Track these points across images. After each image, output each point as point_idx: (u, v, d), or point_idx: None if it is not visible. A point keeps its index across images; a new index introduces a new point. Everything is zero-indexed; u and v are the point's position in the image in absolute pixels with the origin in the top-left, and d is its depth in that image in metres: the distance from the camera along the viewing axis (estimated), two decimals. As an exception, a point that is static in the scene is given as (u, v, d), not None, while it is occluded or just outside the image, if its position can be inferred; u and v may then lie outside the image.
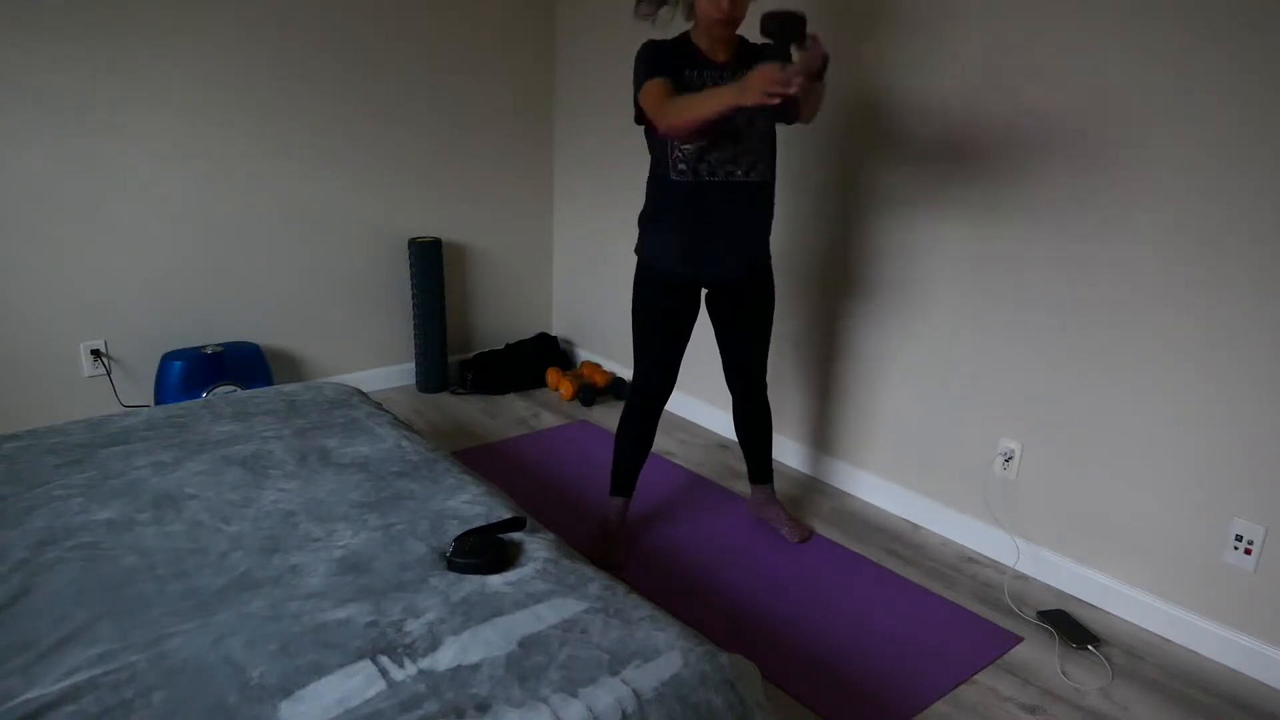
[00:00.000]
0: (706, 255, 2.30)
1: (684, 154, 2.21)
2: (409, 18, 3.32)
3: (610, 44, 3.46)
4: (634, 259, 3.48)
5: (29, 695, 1.25)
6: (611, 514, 2.55)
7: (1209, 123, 1.97)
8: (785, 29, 2.02)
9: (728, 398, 3.29)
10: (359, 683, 1.29)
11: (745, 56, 2.26)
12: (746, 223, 2.31)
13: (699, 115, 2.05)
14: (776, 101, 1.91)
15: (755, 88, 1.90)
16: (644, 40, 2.24)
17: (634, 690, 1.31)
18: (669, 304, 2.37)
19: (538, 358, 3.82)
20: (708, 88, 2.10)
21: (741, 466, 3.08)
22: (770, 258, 2.42)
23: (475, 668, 1.33)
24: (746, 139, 2.22)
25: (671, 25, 2.26)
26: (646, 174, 2.34)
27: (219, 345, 3.11)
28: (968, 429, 2.58)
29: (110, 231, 2.91)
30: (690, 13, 2.23)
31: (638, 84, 2.21)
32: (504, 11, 3.56)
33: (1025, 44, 2.25)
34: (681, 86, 2.16)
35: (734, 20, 2.16)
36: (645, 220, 2.37)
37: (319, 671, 1.31)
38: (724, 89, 2.01)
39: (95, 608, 1.46)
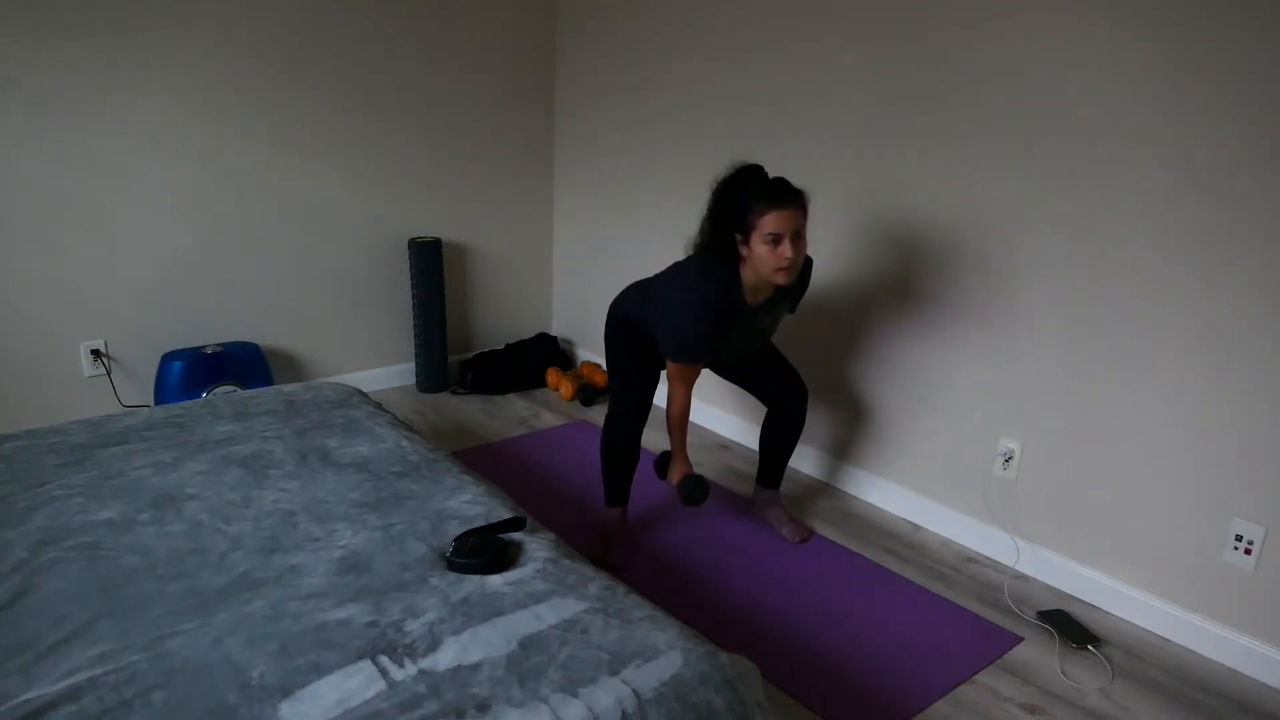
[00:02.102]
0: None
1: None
2: (409, 17, 3.32)
3: (611, 43, 3.46)
4: (634, 259, 3.50)
5: (29, 695, 1.25)
6: (610, 520, 2.55)
7: (1209, 122, 1.97)
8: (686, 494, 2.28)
9: (728, 398, 3.29)
10: (359, 683, 1.29)
11: (774, 293, 2.24)
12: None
13: (678, 432, 2.32)
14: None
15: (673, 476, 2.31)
16: (701, 281, 2.15)
17: (634, 690, 1.31)
18: (649, 356, 2.39)
19: (538, 358, 3.82)
20: (735, 333, 2.24)
21: (742, 466, 3.08)
22: None
23: (475, 668, 1.34)
24: (762, 341, 2.38)
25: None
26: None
27: (219, 345, 3.11)
28: (968, 429, 2.58)
29: (110, 231, 2.91)
30: (735, 255, 2.15)
31: (695, 354, 2.21)
32: (504, 11, 3.56)
33: (1024, 45, 2.25)
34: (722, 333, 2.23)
35: (795, 274, 2.10)
36: (641, 305, 2.34)
37: (319, 671, 1.31)
38: (680, 456, 2.34)
39: (95, 608, 1.46)
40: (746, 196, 2.07)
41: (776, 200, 2.04)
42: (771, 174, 2.14)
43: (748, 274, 2.15)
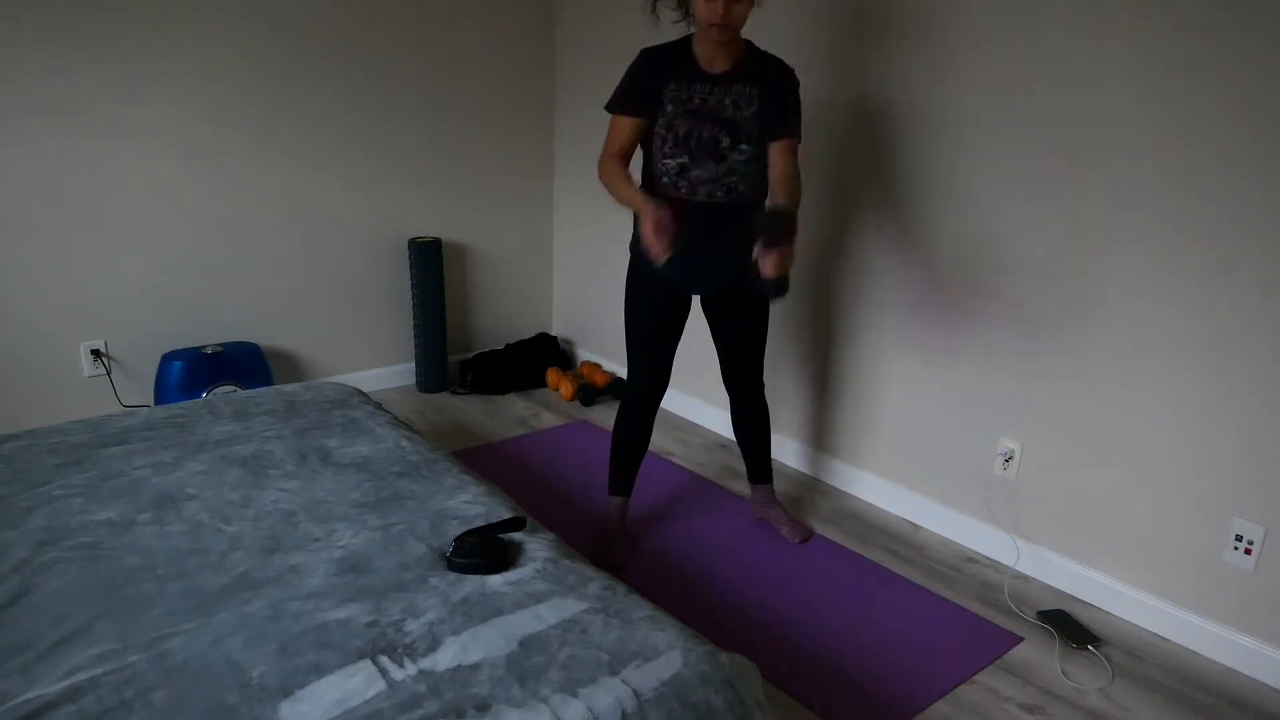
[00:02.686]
0: (690, 267, 2.30)
1: (667, 167, 2.23)
2: (409, 17, 3.32)
3: (611, 43, 3.46)
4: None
5: (29, 695, 1.25)
6: (611, 514, 2.55)
7: (1210, 123, 1.97)
8: (768, 228, 2.03)
9: (727, 398, 3.29)
10: (359, 683, 1.29)
11: (750, 68, 2.21)
12: (729, 240, 2.29)
13: (613, 193, 2.21)
14: (662, 260, 2.04)
15: (644, 229, 2.03)
16: (644, 46, 2.25)
17: (634, 690, 1.31)
18: (659, 304, 2.37)
19: (538, 358, 3.82)
20: (694, 102, 2.18)
21: (741, 466, 3.08)
22: None
23: (475, 668, 1.33)
24: (729, 159, 2.22)
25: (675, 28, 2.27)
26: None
27: (219, 345, 3.11)
28: (968, 429, 2.58)
29: (110, 231, 2.91)
30: (689, 16, 2.22)
31: (614, 100, 2.28)
32: (504, 11, 3.56)
33: (1022, 47, 2.25)
34: (668, 101, 2.20)
35: (730, 26, 2.11)
36: (638, 217, 2.37)
37: (319, 671, 1.31)
38: (636, 197, 2.13)
39: (95, 608, 1.45)
40: None
41: None
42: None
43: (699, 39, 2.23)
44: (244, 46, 3.01)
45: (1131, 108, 2.08)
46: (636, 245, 2.36)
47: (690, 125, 2.20)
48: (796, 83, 2.26)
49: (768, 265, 2.01)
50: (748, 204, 2.28)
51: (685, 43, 2.25)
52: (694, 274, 2.33)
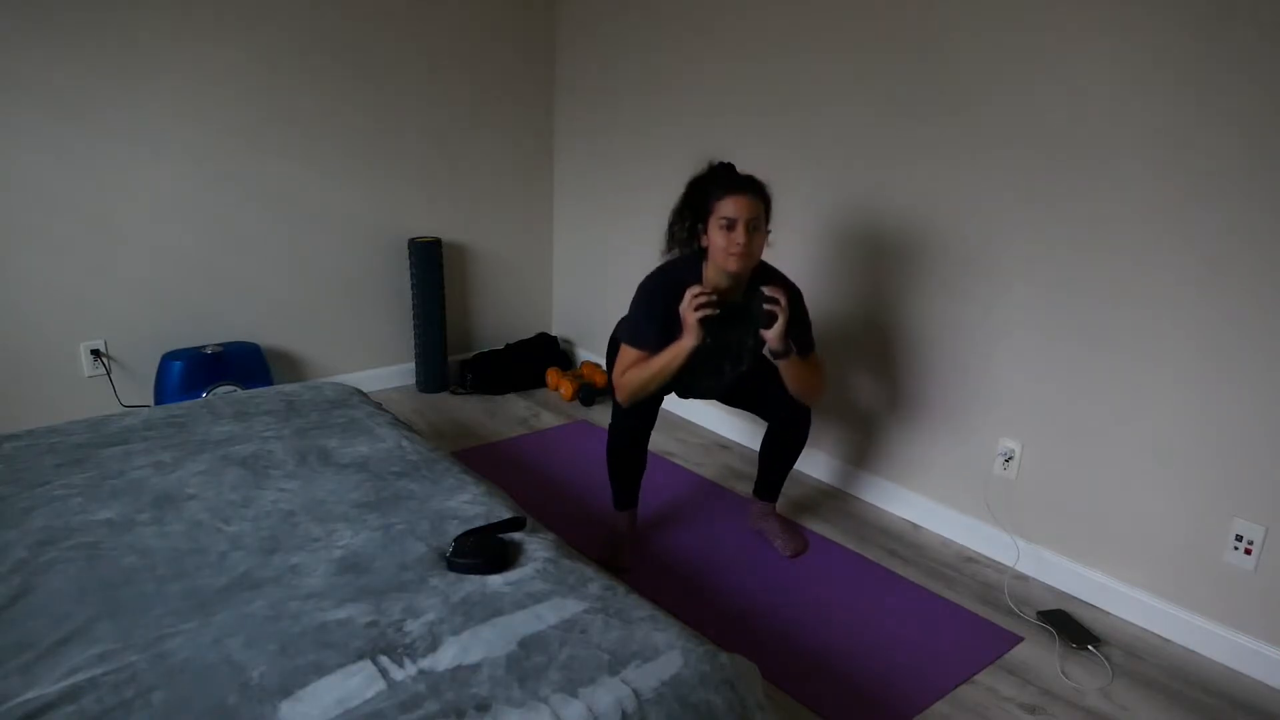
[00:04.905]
0: (700, 381, 2.40)
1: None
2: (409, 18, 3.32)
3: (610, 43, 3.46)
4: (633, 256, 3.50)
5: (29, 695, 1.25)
6: (620, 524, 2.53)
7: (1211, 126, 1.97)
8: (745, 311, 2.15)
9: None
10: (359, 683, 1.29)
11: (743, 299, 2.20)
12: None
13: (654, 383, 2.18)
14: (705, 313, 2.05)
15: (687, 320, 2.04)
16: (658, 269, 2.24)
17: (634, 690, 1.31)
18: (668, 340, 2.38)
19: (538, 358, 3.82)
20: (707, 341, 2.14)
21: (742, 467, 3.08)
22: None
23: (475, 668, 1.33)
24: (729, 375, 2.32)
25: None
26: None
27: (219, 345, 3.11)
28: (968, 429, 2.58)
29: (110, 231, 2.91)
30: (700, 247, 2.19)
31: (629, 335, 2.24)
32: (504, 11, 3.56)
33: (1019, 53, 2.25)
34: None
35: (751, 256, 2.11)
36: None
37: (319, 671, 1.31)
38: (671, 348, 2.12)
39: (95, 608, 1.45)
40: (709, 187, 2.16)
41: (734, 187, 2.12)
42: (761, 175, 2.18)
43: (710, 269, 2.20)
44: (245, 47, 3.00)
45: (1135, 108, 2.08)
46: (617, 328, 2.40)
47: (700, 359, 2.21)
48: (800, 295, 2.31)
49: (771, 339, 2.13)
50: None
51: (694, 266, 2.20)
52: (703, 387, 2.42)
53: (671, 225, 2.26)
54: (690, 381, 2.39)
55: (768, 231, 2.19)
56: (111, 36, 2.76)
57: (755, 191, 2.14)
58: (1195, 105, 1.98)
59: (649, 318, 2.22)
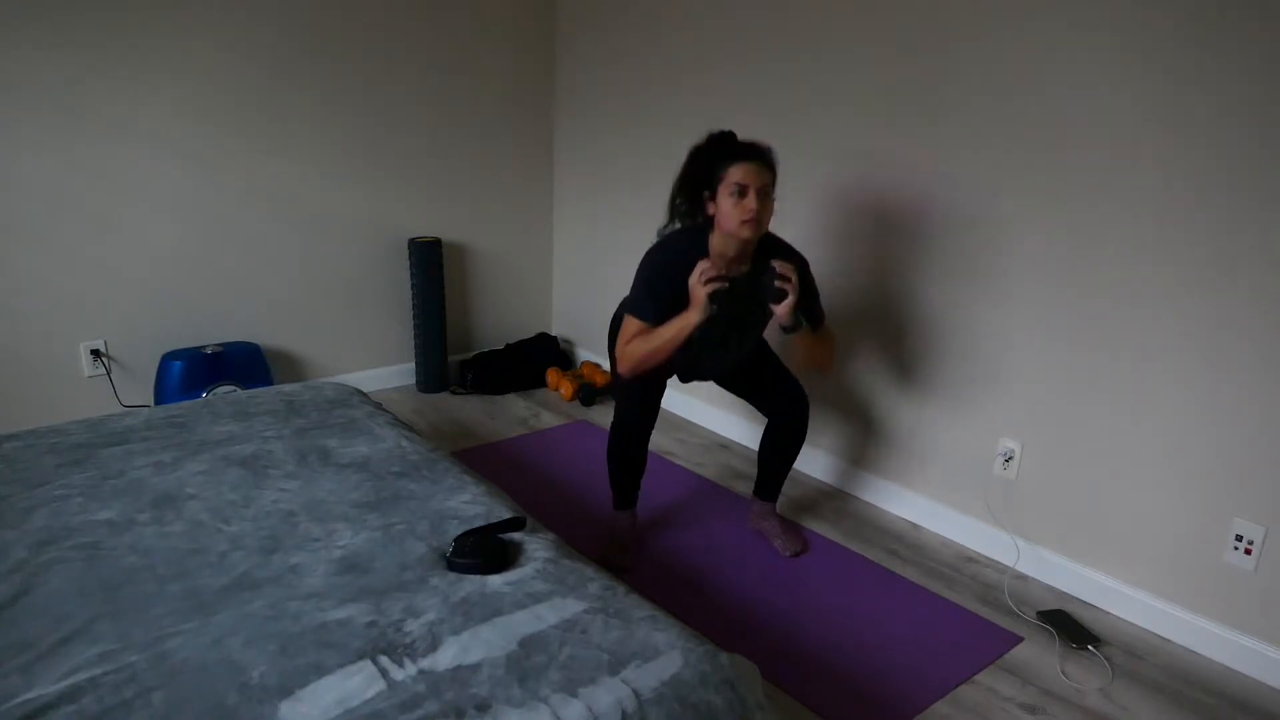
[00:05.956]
0: (704, 363, 2.39)
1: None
2: (409, 17, 3.32)
3: (610, 43, 3.46)
4: (633, 256, 3.49)
5: (29, 695, 1.25)
6: (621, 524, 2.53)
7: (1210, 126, 1.97)
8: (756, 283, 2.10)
9: (727, 397, 3.29)
10: (359, 683, 1.29)
11: (752, 270, 2.18)
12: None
13: (659, 355, 2.14)
14: (714, 287, 2.02)
15: (695, 294, 2.02)
16: (661, 240, 2.22)
17: (634, 690, 1.31)
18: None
19: (538, 358, 3.82)
20: (713, 309, 2.11)
21: (741, 466, 3.08)
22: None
23: (475, 668, 1.33)
24: (734, 352, 2.32)
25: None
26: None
27: (219, 345, 3.11)
28: (968, 429, 2.58)
29: (110, 231, 2.91)
30: (705, 217, 2.16)
31: (633, 307, 2.22)
32: (504, 11, 3.56)
33: (1018, 54, 2.25)
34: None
35: (761, 224, 2.08)
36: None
37: (319, 671, 1.31)
38: (676, 320, 2.10)
39: (95, 608, 1.45)
40: (715, 154, 2.13)
41: (744, 154, 2.09)
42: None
43: (716, 238, 2.16)
44: (244, 48, 3.00)
45: (1135, 110, 2.08)
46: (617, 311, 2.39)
47: (707, 334, 2.20)
48: (807, 265, 2.27)
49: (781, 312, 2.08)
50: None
51: (701, 237, 2.18)
52: (706, 367, 2.40)
53: (674, 197, 2.23)
54: (694, 359, 2.36)
55: (774, 199, 2.16)
56: (112, 37, 2.76)
57: (765, 159, 2.11)
58: (1198, 105, 1.98)
59: (654, 289, 2.19)
